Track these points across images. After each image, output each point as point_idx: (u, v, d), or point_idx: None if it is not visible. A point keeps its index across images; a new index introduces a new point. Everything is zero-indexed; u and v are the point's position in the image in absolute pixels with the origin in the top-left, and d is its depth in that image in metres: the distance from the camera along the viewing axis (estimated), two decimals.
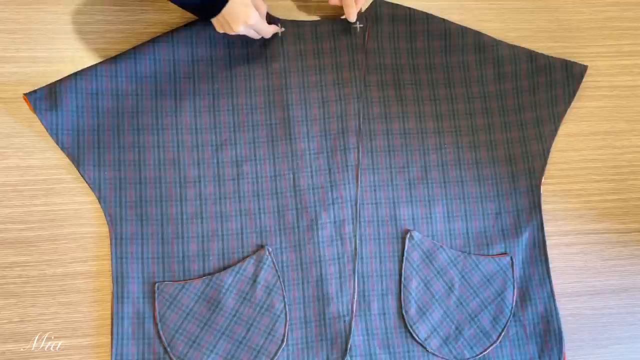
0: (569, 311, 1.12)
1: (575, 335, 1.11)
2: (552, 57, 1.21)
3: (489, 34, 1.22)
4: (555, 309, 1.10)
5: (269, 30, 1.10)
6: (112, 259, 1.04)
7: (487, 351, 1.07)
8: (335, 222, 1.09)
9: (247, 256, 1.06)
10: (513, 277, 1.10)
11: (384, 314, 1.07)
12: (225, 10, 1.00)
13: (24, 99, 1.07)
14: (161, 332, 1.02)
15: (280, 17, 1.16)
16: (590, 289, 1.14)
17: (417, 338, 1.06)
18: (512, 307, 1.09)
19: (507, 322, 1.08)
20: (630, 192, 1.19)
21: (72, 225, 1.06)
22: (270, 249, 1.07)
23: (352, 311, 1.06)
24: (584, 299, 1.13)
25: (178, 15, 1.16)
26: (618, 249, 1.16)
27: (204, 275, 1.05)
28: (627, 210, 1.18)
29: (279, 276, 1.06)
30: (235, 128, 1.12)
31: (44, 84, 1.08)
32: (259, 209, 1.09)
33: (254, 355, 1.02)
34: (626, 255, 1.16)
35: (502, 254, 1.11)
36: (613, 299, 1.13)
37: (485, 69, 1.20)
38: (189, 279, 1.05)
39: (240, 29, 1.03)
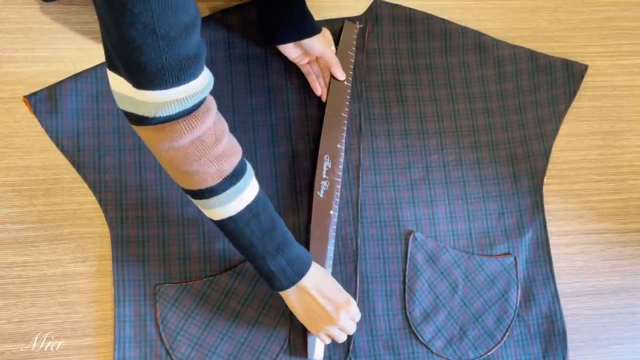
0: (569, 311, 1.12)
1: (576, 335, 1.11)
2: (552, 56, 1.21)
3: (489, 33, 1.22)
4: (559, 309, 1.10)
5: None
6: (112, 262, 1.04)
7: (491, 352, 1.07)
8: (336, 222, 1.09)
9: None
10: (517, 278, 1.10)
11: (388, 315, 1.07)
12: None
13: (24, 101, 1.07)
14: (163, 335, 1.01)
15: None
16: (590, 289, 1.14)
17: (421, 339, 1.06)
18: (516, 308, 1.09)
19: (511, 323, 1.08)
20: (630, 192, 1.19)
21: (72, 225, 1.06)
22: None
23: None
24: (584, 299, 1.13)
25: None
26: (618, 249, 1.16)
27: (205, 277, 1.05)
28: (627, 210, 1.18)
29: None
30: (236, 128, 1.11)
31: (44, 84, 1.08)
32: None
33: (256, 356, 1.02)
34: (626, 255, 1.16)
35: (505, 254, 1.12)
36: (613, 299, 1.14)
37: (486, 69, 1.20)
38: (190, 281, 1.04)
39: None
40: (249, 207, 0.86)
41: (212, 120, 0.78)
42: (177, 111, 0.74)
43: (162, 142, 0.77)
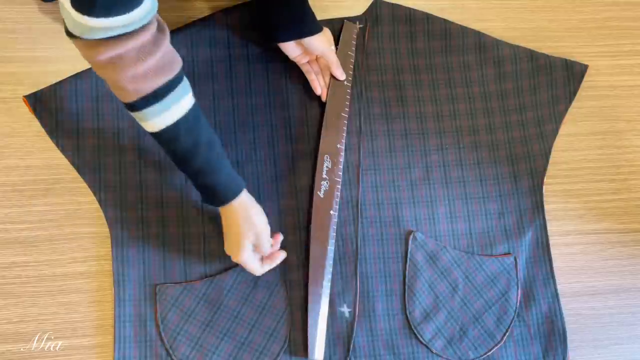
0: (569, 311, 1.12)
1: (576, 335, 1.11)
2: (552, 56, 1.21)
3: (489, 33, 1.22)
4: (560, 309, 1.10)
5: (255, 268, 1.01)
6: (112, 262, 1.04)
7: (492, 352, 1.07)
8: (336, 222, 1.09)
9: None
10: (517, 278, 1.10)
11: (388, 314, 1.07)
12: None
13: (24, 101, 1.07)
14: (163, 335, 1.01)
15: None
16: (590, 289, 1.14)
17: (421, 339, 1.06)
18: (516, 308, 1.09)
19: (511, 323, 1.08)
20: (630, 192, 1.19)
21: (71, 225, 1.06)
22: None
23: (355, 311, 1.06)
24: (584, 299, 1.13)
25: (177, 15, 1.15)
26: (618, 249, 1.16)
27: (205, 277, 1.05)
28: (627, 210, 1.18)
29: (280, 277, 1.06)
30: (236, 129, 1.11)
31: (44, 84, 1.08)
32: None
33: (257, 356, 1.02)
34: (626, 255, 1.16)
35: (505, 254, 1.12)
36: (613, 299, 1.14)
37: (486, 69, 1.20)
38: (190, 281, 1.04)
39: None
40: (167, 129, 0.89)
41: (139, 43, 0.80)
42: (103, 37, 0.77)
43: (87, 56, 0.81)
